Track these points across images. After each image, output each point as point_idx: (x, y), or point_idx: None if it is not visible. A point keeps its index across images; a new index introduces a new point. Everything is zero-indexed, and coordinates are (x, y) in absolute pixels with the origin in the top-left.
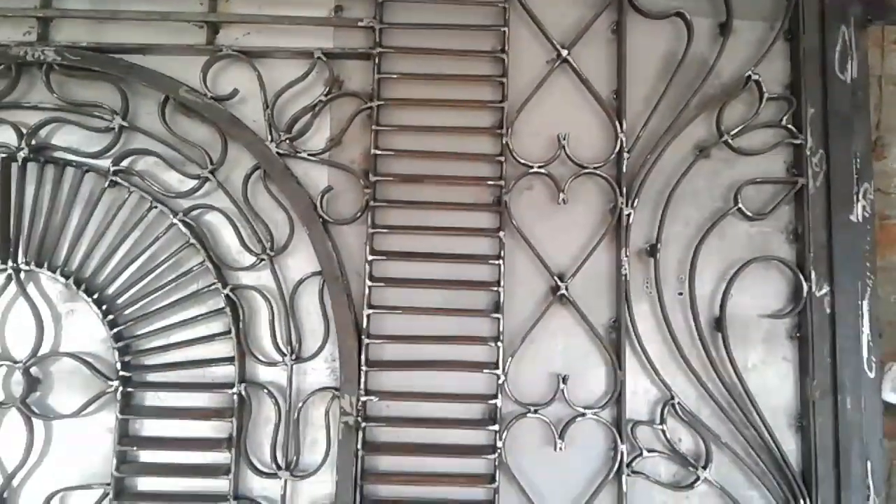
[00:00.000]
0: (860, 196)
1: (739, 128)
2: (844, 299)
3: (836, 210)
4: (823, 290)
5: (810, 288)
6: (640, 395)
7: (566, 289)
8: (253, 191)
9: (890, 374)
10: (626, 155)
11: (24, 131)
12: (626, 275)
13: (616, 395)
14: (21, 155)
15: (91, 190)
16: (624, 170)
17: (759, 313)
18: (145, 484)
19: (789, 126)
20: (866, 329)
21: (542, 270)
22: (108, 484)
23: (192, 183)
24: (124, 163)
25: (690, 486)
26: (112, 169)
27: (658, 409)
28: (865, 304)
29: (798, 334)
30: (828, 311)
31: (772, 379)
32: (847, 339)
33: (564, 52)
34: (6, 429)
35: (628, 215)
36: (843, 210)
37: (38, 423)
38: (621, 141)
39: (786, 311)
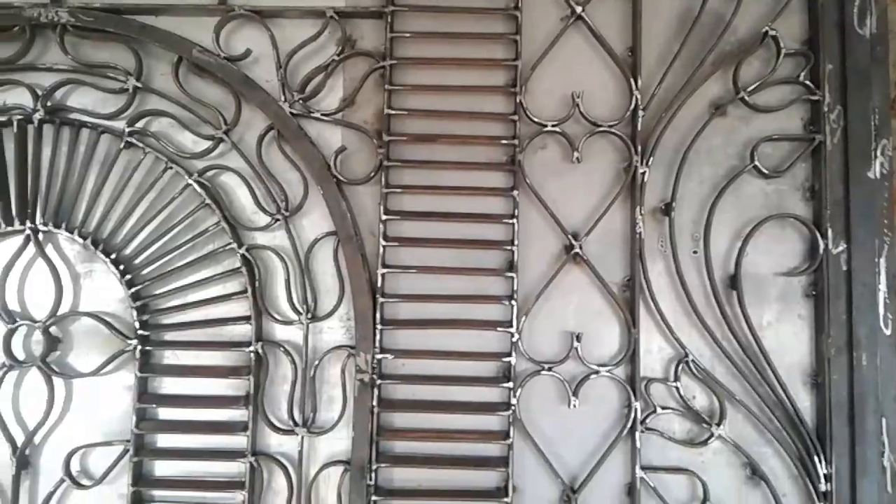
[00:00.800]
0: (878, 152)
1: (756, 84)
2: (861, 256)
3: (853, 166)
4: (840, 248)
5: (826, 245)
6: (654, 353)
7: (580, 247)
8: (267, 151)
9: None
10: (640, 113)
11: (40, 93)
12: (640, 233)
13: (630, 353)
14: (37, 117)
15: (107, 151)
16: (639, 128)
17: (775, 271)
18: (164, 441)
19: (807, 82)
20: (883, 286)
21: (556, 229)
22: (128, 441)
23: (207, 144)
24: (139, 124)
25: (704, 442)
26: (127, 130)
27: (672, 367)
28: (882, 260)
29: (814, 292)
30: (844, 268)
31: (787, 336)
32: (863, 296)
33: (579, 9)
34: (27, 387)
35: (643, 174)
36: (860, 166)
37: (58, 382)
38: (636, 99)
39: (801, 268)
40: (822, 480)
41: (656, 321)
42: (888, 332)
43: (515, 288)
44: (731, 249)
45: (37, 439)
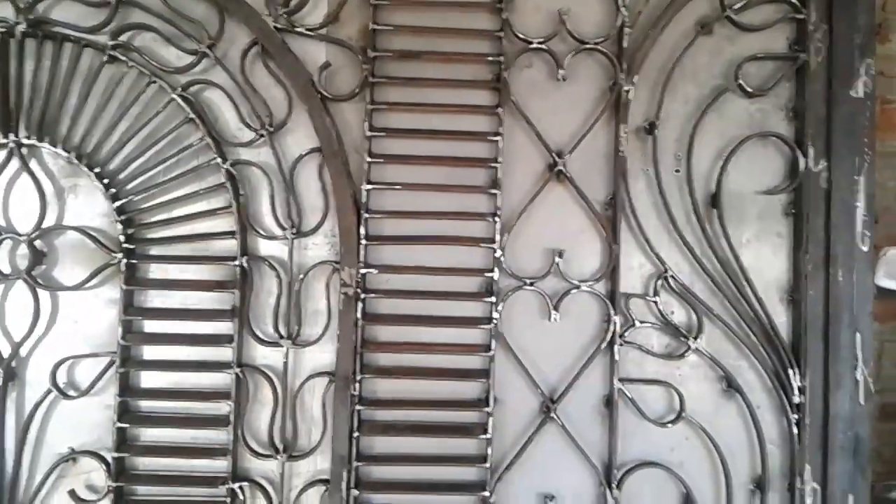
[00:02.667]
0: (861, 72)
1: (742, 2)
2: (841, 174)
3: (836, 86)
4: (820, 166)
5: (807, 163)
6: (634, 271)
7: (564, 165)
8: (251, 67)
9: (884, 259)
10: (626, 30)
11: (22, 6)
12: (623, 152)
13: (610, 269)
14: (19, 29)
15: (90, 65)
16: (625, 45)
17: (755, 190)
18: (151, 353)
19: (793, 1)
20: (861, 204)
21: (540, 147)
22: (115, 352)
23: (190, 58)
24: (122, 38)
25: (681, 356)
26: (110, 44)
27: (652, 284)
28: (862, 179)
29: (793, 210)
30: (824, 186)
31: (765, 255)
32: (842, 213)
33: None
34: (13, 301)
35: (627, 91)
36: (843, 86)
37: (43, 295)
38: (623, 16)
39: (782, 187)
40: (796, 393)
41: (637, 239)
42: (865, 249)
43: (499, 205)
44: (713, 168)
45: (23, 351)
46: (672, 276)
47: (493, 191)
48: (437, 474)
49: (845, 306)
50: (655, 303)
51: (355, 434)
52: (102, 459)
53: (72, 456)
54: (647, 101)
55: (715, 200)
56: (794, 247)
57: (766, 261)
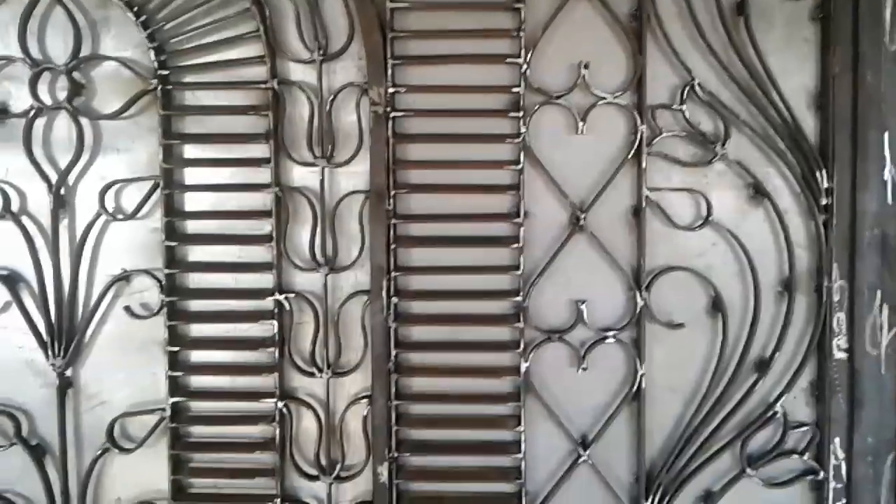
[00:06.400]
0: None
1: None
2: None
3: None
4: None
5: None
6: (660, 81)
7: None
8: None
9: None
10: None
11: None
12: None
13: (636, 80)
14: None
15: None
16: None
17: None
18: (191, 177)
19: None
20: (889, 1)
21: None
22: (158, 176)
23: None
24: None
25: (708, 163)
26: None
27: (678, 94)
28: None
29: (821, 15)
30: None
31: (793, 61)
32: (869, 13)
33: None
34: (57, 132)
35: None
36: None
37: (86, 125)
38: None
39: None
40: (824, 194)
41: (663, 50)
42: (893, 49)
43: (523, 18)
44: None
45: (70, 179)
46: (699, 85)
47: (518, 5)
48: (473, 283)
49: (873, 106)
50: (682, 111)
51: (392, 246)
52: (154, 277)
53: (125, 275)
54: None
55: (741, 7)
56: (821, 51)
57: (793, 66)
